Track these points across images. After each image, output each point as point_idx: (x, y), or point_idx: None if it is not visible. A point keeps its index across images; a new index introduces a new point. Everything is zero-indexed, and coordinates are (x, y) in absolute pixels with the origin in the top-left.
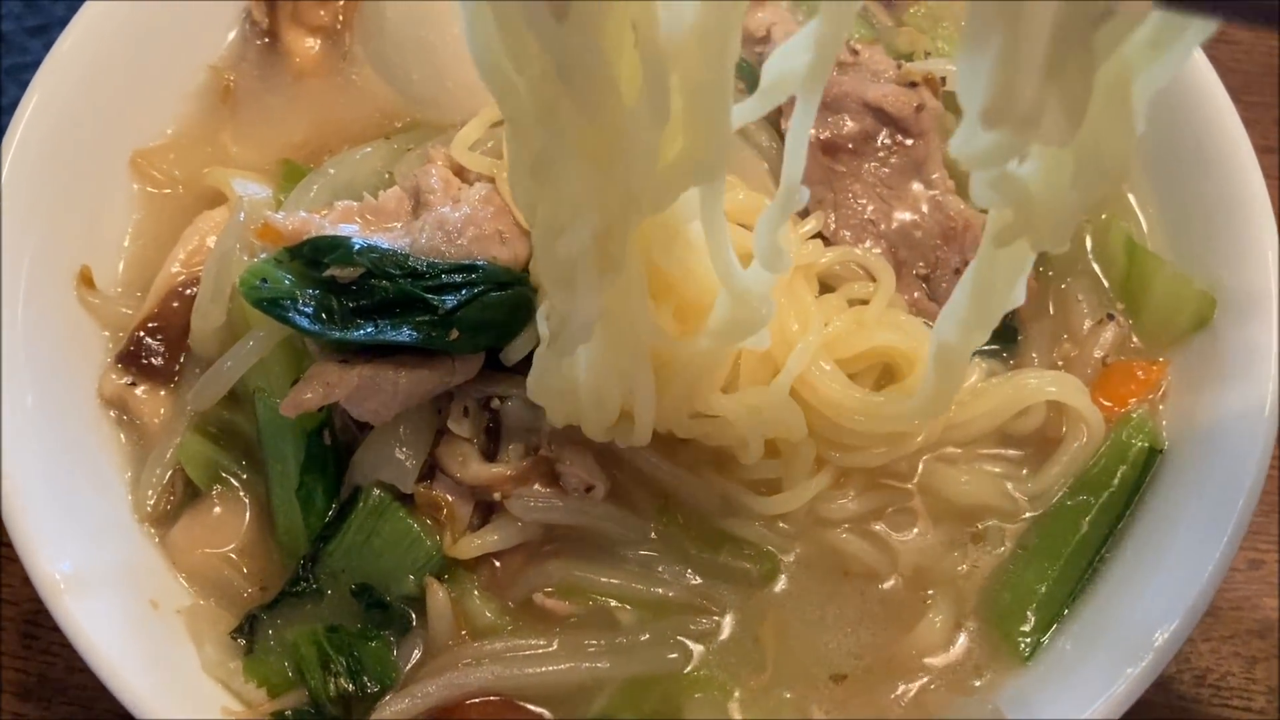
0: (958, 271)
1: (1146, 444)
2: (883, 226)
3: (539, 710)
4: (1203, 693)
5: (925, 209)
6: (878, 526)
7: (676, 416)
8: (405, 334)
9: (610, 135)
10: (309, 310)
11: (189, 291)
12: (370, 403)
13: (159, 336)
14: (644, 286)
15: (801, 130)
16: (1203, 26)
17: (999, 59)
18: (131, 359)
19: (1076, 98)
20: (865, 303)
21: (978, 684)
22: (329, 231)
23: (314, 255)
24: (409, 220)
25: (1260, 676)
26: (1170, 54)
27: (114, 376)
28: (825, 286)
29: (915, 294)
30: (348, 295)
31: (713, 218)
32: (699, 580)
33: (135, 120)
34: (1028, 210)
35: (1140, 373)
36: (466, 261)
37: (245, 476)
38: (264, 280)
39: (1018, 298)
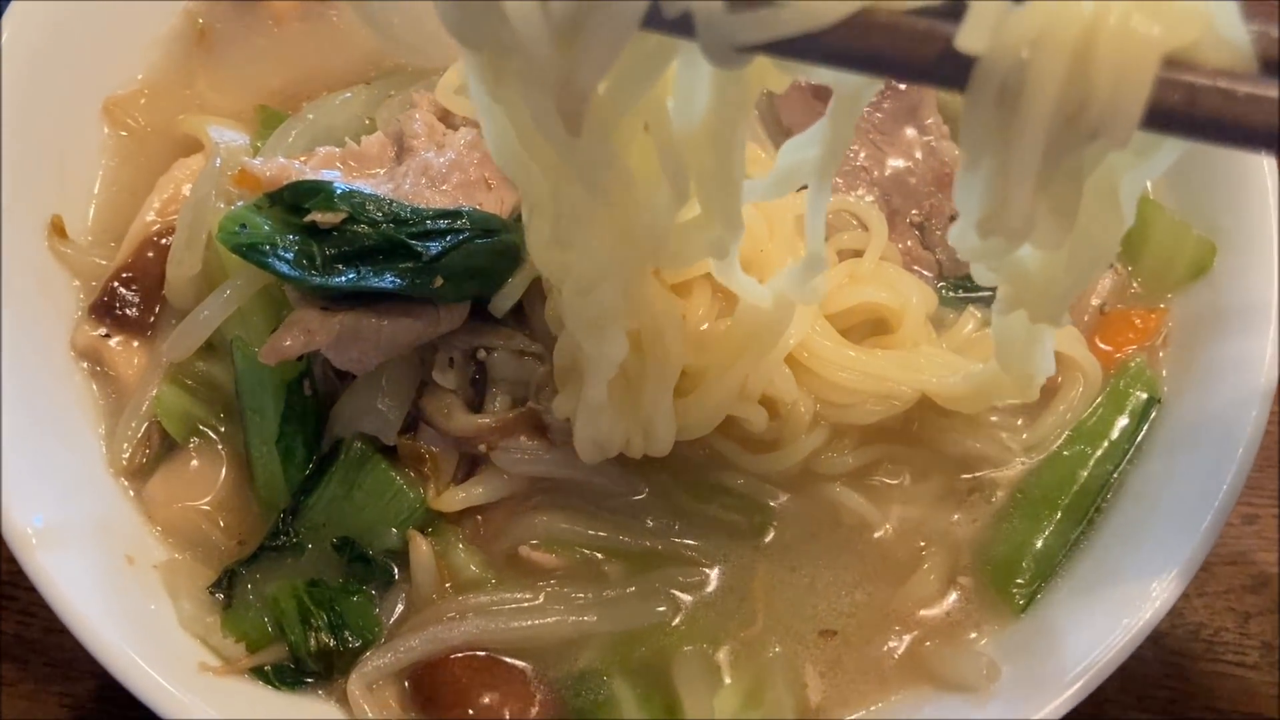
0: (952, 219)
1: (1145, 393)
2: (875, 173)
3: (524, 665)
4: (1196, 647)
5: (919, 155)
6: (871, 479)
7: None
8: (388, 281)
9: (627, 211)
10: (289, 256)
11: (164, 241)
12: (352, 351)
13: (133, 286)
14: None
15: (818, 209)
16: None
17: (992, 176)
18: (105, 310)
19: (1066, 207)
20: (857, 253)
21: (972, 636)
22: (310, 177)
23: (294, 200)
24: (392, 166)
25: (1255, 631)
26: (1156, 157)
27: (87, 328)
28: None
29: (909, 242)
30: (329, 241)
31: (729, 272)
32: (688, 532)
33: (106, 65)
34: (1025, 287)
35: (1138, 321)
36: (451, 208)
37: (223, 429)
38: (243, 226)
39: (1046, 368)
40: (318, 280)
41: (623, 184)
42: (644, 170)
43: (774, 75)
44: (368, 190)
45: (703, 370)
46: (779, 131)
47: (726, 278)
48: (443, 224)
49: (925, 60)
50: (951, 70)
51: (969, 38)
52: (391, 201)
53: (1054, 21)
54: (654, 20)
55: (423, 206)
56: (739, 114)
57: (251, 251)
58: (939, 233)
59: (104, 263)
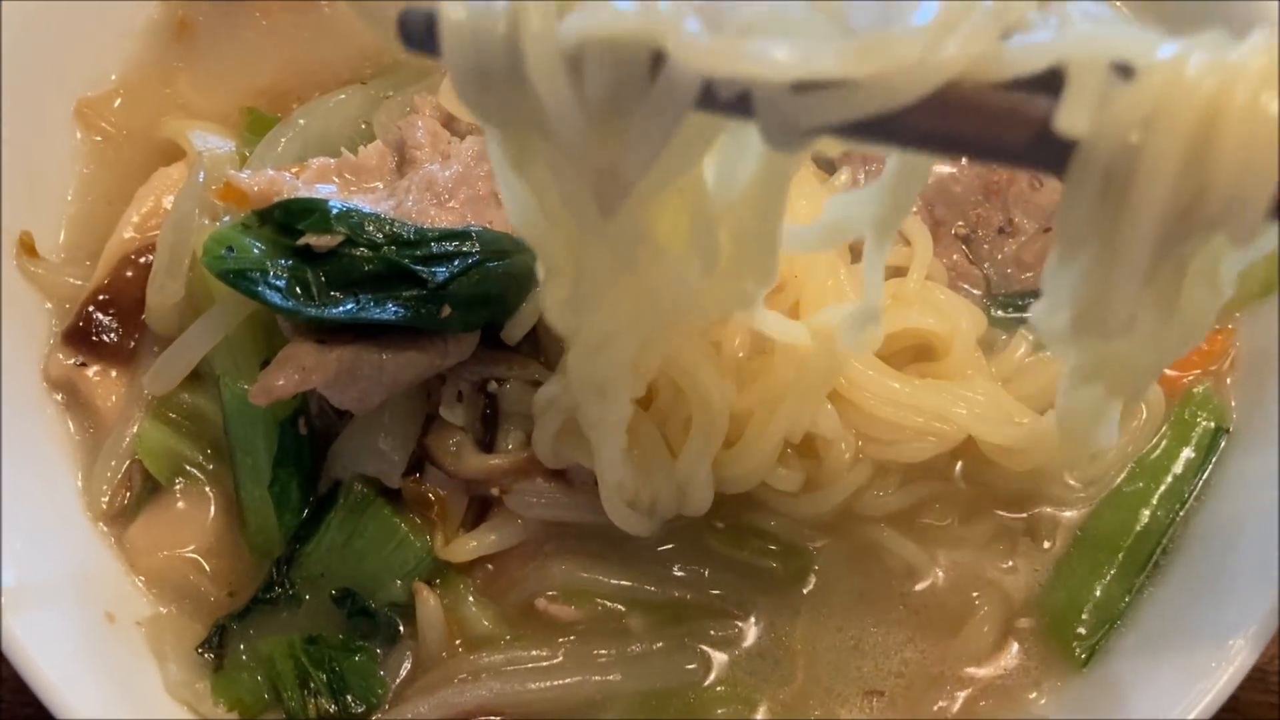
0: (1001, 231)
1: (1212, 422)
2: None
3: None
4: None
5: (964, 161)
6: (917, 521)
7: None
8: (391, 311)
9: (652, 278)
10: (281, 284)
11: (144, 259)
12: (352, 390)
13: (111, 310)
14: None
15: (876, 265)
16: None
17: (1091, 270)
18: (80, 336)
19: (1168, 300)
20: (899, 271)
21: (1032, 696)
22: (302, 192)
23: (286, 220)
24: (393, 179)
25: None
26: (1266, 237)
27: (61, 356)
28: (853, 253)
29: (954, 256)
30: (325, 266)
31: (755, 316)
32: (719, 581)
33: (78, 63)
34: (1106, 364)
35: (1204, 343)
36: (459, 228)
37: (211, 469)
38: (229, 249)
39: (1109, 442)
40: (313, 312)
41: (651, 256)
42: (674, 237)
43: (830, 141)
44: (366, 209)
45: (746, 414)
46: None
47: (753, 320)
48: (450, 246)
49: (1016, 144)
50: (1047, 154)
51: (1070, 118)
52: (393, 221)
53: (1169, 99)
54: (707, 101)
55: (427, 226)
56: (787, 178)
57: (240, 279)
58: (987, 246)
59: (78, 283)
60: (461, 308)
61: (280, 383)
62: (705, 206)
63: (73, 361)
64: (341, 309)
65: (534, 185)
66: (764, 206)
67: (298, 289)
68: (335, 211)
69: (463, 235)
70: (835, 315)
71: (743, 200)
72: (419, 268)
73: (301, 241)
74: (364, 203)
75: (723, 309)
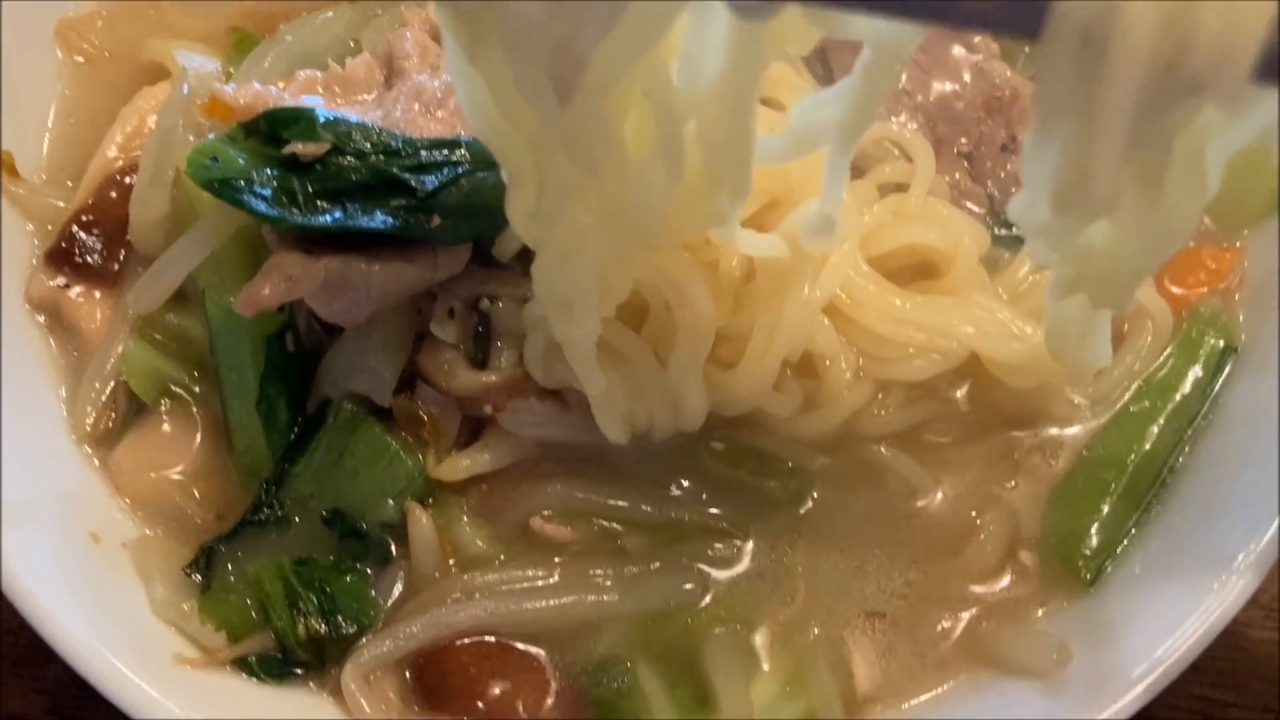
0: (1004, 148)
1: (1220, 340)
2: (919, 98)
3: (538, 651)
4: (1255, 615)
5: (967, 77)
6: (919, 440)
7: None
8: (379, 220)
9: (617, 186)
10: (266, 192)
11: (128, 179)
12: (339, 301)
13: (95, 230)
14: None
15: (837, 177)
16: None
17: (1072, 140)
18: (64, 257)
19: (1152, 177)
20: (900, 187)
21: (1037, 615)
22: (289, 104)
23: (272, 130)
24: (381, 91)
25: None
26: (1251, 117)
27: (43, 277)
28: (854, 169)
29: (956, 175)
30: (312, 176)
31: (728, 234)
32: (718, 501)
33: None
34: (1088, 268)
35: (1211, 260)
36: (449, 137)
37: (198, 389)
38: (214, 159)
39: (1102, 356)
40: (299, 219)
41: (615, 159)
42: (639, 143)
43: (799, 32)
44: (354, 118)
45: (744, 334)
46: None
47: (725, 238)
48: (439, 155)
49: (990, 4)
50: (1022, 16)
51: None
52: (381, 130)
53: None
54: None
55: (416, 136)
56: (755, 77)
57: (224, 188)
58: (990, 164)
59: (61, 204)
60: (451, 218)
61: (266, 292)
62: (671, 105)
63: (56, 283)
64: (329, 217)
65: (489, 77)
66: (733, 106)
67: (284, 197)
68: (322, 120)
69: (452, 144)
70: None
71: (710, 98)
72: (408, 176)
73: (287, 150)
74: (352, 113)
75: (695, 226)
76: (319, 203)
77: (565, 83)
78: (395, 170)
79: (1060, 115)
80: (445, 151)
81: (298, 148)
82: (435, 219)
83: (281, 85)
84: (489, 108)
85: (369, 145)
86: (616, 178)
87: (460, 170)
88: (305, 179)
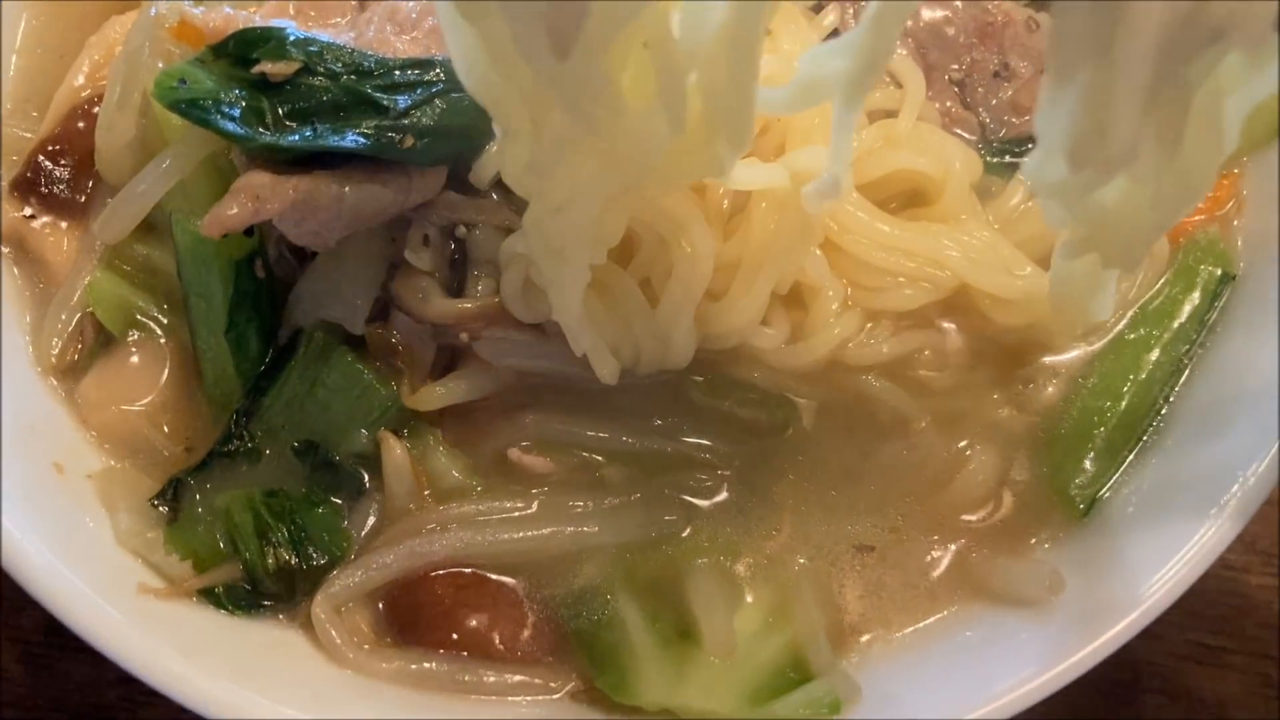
0: (996, 75)
1: (1217, 268)
2: (909, 23)
3: (515, 583)
4: (1253, 560)
5: (958, 3)
6: (909, 371)
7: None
8: (350, 139)
9: (616, 138)
10: (235, 113)
11: (96, 109)
12: (309, 222)
13: (62, 160)
14: None
15: (845, 131)
16: None
17: (1089, 92)
18: (29, 186)
19: (1171, 131)
20: (890, 114)
21: (1030, 544)
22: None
23: (241, 51)
24: (355, 15)
25: None
26: (1270, 70)
27: (9, 208)
28: None
29: (948, 102)
30: (281, 96)
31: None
32: (701, 431)
33: None
34: (1101, 227)
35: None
36: (423, 57)
37: (166, 320)
38: (182, 80)
39: (1104, 312)
40: (268, 139)
41: (613, 112)
42: (639, 95)
43: None
44: (325, 38)
45: (732, 265)
46: None
47: (727, 182)
48: (412, 75)
49: None
50: None
51: None
52: (353, 50)
53: None
54: None
55: (390, 56)
56: (759, 27)
57: (192, 108)
58: (981, 90)
59: (27, 135)
60: (426, 138)
61: (233, 211)
62: (672, 57)
63: (21, 213)
64: (298, 136)
65: (485, 32)
66: (737, 53)
67: (253, 118)
68: (292, 39)
69: (427, 64)
70: (814, 157)
71: (714, 46)
72: (380, 95)
73: (257, 70)
74: (324, 34)
75: (692, 175)
76: (289, 123)
77: (564, 37)
78: (367, 89)
79: (1078, 66)
80: (419, 71)
81: (267, 67)
82: (409, 139)
83: (253, 9)
84: (483, 63)
85: (340, 65)
86: (615, 130)
87: (435, 89)
88: (275, 99)
